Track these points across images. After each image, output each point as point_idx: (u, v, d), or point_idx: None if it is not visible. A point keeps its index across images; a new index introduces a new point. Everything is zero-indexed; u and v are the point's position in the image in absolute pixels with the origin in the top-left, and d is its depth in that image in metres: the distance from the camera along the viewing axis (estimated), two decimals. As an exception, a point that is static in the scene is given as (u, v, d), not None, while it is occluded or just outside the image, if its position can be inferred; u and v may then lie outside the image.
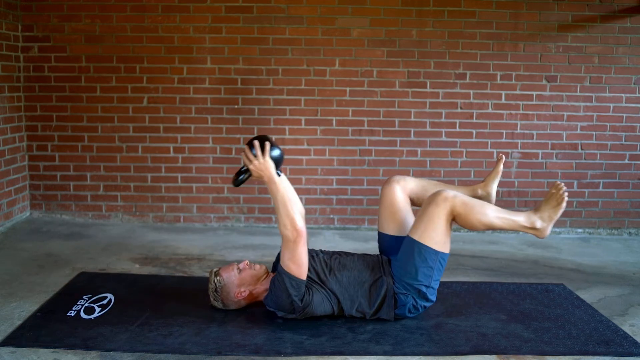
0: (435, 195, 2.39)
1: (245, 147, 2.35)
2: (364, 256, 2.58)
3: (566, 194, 2.41)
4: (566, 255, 3.63)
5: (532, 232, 2.44)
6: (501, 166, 2.67)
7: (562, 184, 2.44)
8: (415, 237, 2.39)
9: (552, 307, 2.70)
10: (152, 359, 2.12)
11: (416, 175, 4.07)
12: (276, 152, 2.36)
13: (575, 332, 2.42)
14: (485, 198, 2.64)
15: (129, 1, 3.93)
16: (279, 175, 2.37)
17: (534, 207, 2.49)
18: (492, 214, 2.39)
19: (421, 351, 2.22)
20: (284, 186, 2.34)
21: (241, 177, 2.39)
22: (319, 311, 2.42)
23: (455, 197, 2.36)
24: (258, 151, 2.30)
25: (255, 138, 2.34)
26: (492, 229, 2.46)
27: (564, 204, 2.41)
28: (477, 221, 2.37)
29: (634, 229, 4.19)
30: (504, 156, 2.70)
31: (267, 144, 2.30)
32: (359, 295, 2.44)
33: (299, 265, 2.32)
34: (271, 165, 2.31)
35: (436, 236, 2.37)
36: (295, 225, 2.27)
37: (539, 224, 2.42)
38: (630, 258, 3.60)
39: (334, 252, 2.60)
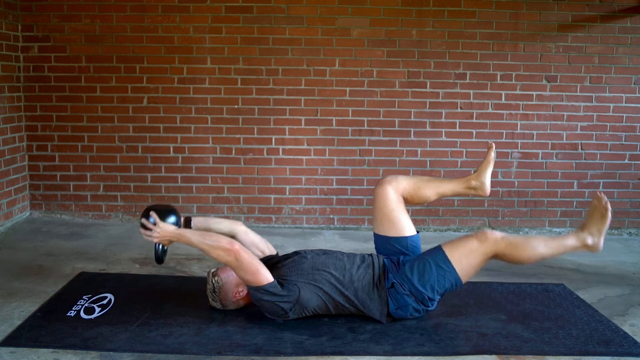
0: (483, 234, 2.39)
1: (141, 230, 2.41)
2: (354, 255, 2.57)
3: (608, 204, 2.40)
4: (566, 255, 3.62)
5: (585, 249, 2.44)
6: (492, 154, 2.66)
7: (603, 194, 2.44)
8: (448, 254, 2.39)
9: (552, 307, 2.70)
10: (152, 359, 2.12)
11: (416, 175, 4.07)
12: (164, 211, 2.43)
13: (575, 332, 2.42)
14: (480, 188, 2.64)
15: (129, 1, 3.93)
16: (189, 220, 2.54)
17: (580, 225, 2.48)
18: (540, 246, 2.40)
19: (421, 351, 2.22)
20: (193, 233, 2.38)
21: (159, 253, 2.46)
22: (312, 304, 2.40)
23: (503, 239, 2.37)
24: (150, 225, 2.38)
25: (141, 216, 2.42)
26: (545, 259, 2.47)
27: (609, 214, 2.40)
28: (526, 257, 2.40)
29: (634, 229, 4.19)
30: (493, 144, 2.70)
31: (153, 213, 2.39)
32: (351, 293, 2.42)
33: (254, 273, 2.32)
34: (169, 227, 2.39)
35: (466, 267, 2.38)
36: (225, 248, 2.29)
37: (590, 240, 2.42)
38: (630, 258, 3.59)
39: (322, 251, 2.59)
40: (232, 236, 2.57)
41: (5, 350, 2.15)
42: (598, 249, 2.43)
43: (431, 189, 2.61)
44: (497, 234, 2.38)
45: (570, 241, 2.42)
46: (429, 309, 2.47)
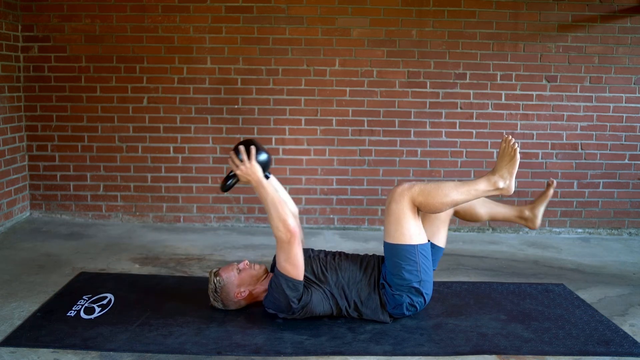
0: (393, 192, 2.39)
1: (231, 153, 2.35)
2: (360, 257, 2.58)
3: (517, 144, 2.39)
4: (566, 255, 3.63)
5: (497, 192, 2.42)
6: (551, 191, 2.71)
7: (510, 136, 2.43)
8: (389, 240, 2.40)
9: (552, 307, 2.70)
10: (152, 359, 2.12)
11: (416, 175, 4.08)
12: (263, 156, 2.37)
13: (575, 332, 2.42)
14: (531, 220, 2.69)
15: (129, 1, 3.93)
16: (267, 177, 2.40)
17: (492, 169, 2.47)
18: (452, 191, 2.37)
19: (421, 351, 2.22)
20: (273, 189, 2.34)
21: (229, 182, 2.41)
22: (318, 310, 2.42)
23: (411, 187, 2.36)
24: (244, 156, 2.31)
25: (240, 143, 2.35)
26: (458, 204, 2.46)
27: (517, 155, 2.38)
28: (440, 204, 2.37)
29: (634, 229, 4.19)
30: (555, 181, 2.74)
31: (253, 148, 2.31)
32: (355, 296, 2.44)
33: (295, 266, 2.31)
34: (258, 169, 2.33)
35: (407, 231, 2.37)
36: (288, 227, 2.27)
37: (501, 183, 2.40)
38: (630, 258, 3.60)
39: (331, 252, 2.61)
40: None
41: (5, 350, 2.15)
42: (509, 192, 2.42)
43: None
44: (405, 184, 2.39)
45: (482, 185, 2.41)
46: (425, 294, 2.43)
